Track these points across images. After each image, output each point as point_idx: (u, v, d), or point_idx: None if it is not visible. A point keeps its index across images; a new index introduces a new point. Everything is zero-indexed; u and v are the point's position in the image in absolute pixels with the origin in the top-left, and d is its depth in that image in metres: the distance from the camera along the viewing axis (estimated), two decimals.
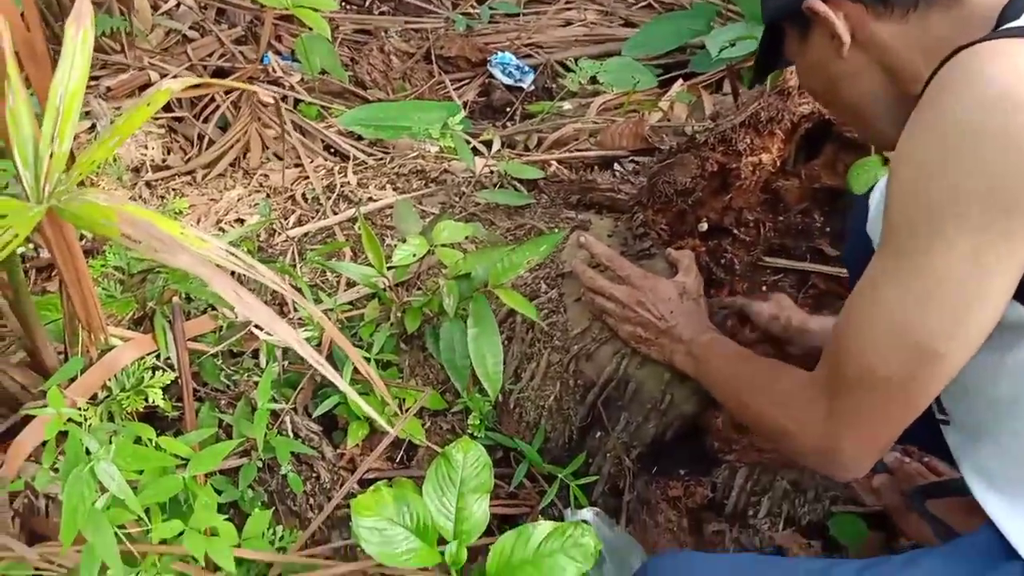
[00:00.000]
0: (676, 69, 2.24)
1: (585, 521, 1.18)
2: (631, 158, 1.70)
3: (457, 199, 1.66)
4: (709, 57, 1.94)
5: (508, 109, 2.48)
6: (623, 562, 1.24)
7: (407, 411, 1.38)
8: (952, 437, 0.99)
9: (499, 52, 2.61)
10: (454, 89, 2.56)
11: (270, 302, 1.56)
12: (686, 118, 1.85)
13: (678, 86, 1.90)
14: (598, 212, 1.58)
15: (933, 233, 0.80)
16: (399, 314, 1.41)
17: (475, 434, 1.42)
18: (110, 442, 0.98)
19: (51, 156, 0.83)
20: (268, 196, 1.78)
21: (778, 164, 1.59)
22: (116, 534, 1.03)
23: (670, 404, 1.35)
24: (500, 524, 1.37)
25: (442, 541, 1.16)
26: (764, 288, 1.63)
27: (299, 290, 1.43)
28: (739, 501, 1.33)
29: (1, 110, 0.94)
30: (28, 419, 1.26)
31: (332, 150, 2.17)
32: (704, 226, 1.61)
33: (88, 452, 1.01)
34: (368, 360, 1.38)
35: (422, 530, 1.15)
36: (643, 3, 2.73)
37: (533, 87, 2.54)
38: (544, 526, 1.14)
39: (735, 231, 1.64)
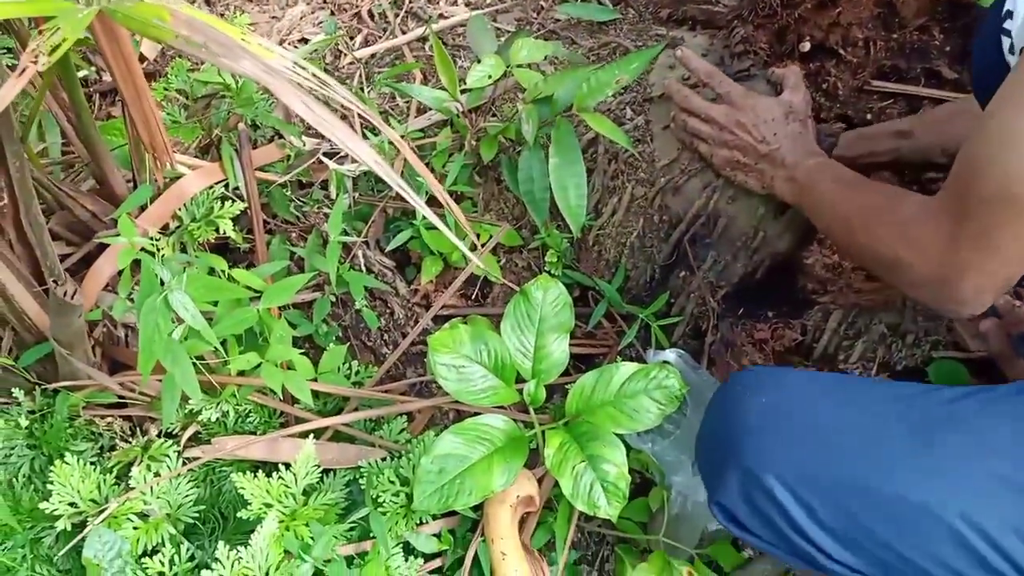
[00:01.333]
0: None
1: (668, 362, 1.13)
2: None
3: (535, 14, 1.52)
4: None
5: None
6: (706, 405, 1.20)
7: (483, 246, 1.32)
8: None
9: None
10: None
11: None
12: None
13: None
14: (691, 28, 1.42)
15: None
16: (474, 142, 1.32)
17: (552, 272, 1.37)
18: (183, 272, 0.95)
19: None
20: (332, 13, 1.66)
21: None
22: (194, 364, 1.02)
23: (762, 241, 1.26)
24: (577, 364, 1.34)
25: (519, 379, 1.14)
26: (869, 116, 1.48)
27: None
28: (830, 344, 1.26)
29: None
30: (102, 248, 1.25)
31: None
32: (807, 45, 1.45)
33: (162, 282, 0.98)
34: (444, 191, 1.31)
35: (500, 368, 1.12)
36: None
37: None
38: (627, 367, 1.10)
39: (841, 51, 1.47)
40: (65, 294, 0.93)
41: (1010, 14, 0.93)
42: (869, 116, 1.48)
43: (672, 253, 1.32)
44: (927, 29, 1.49)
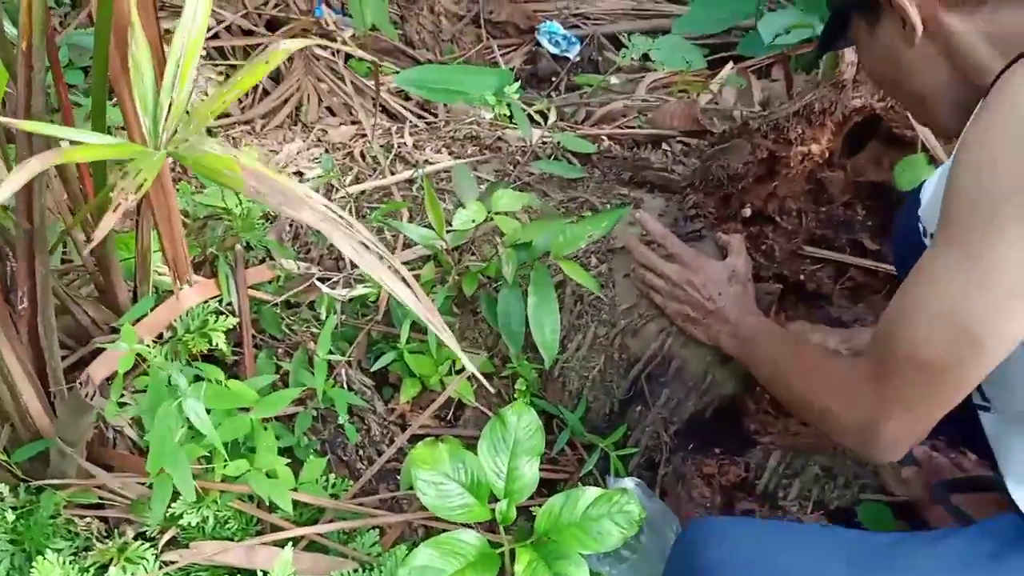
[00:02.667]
0: (723, 50, 2.26)
1: (626, 489, 1.23)
2: (681, 139, 1.73)
3: (512, 167, 1.69)
4: (757, 40, 1.95)
5: (553, 79, 2.50)
6: (659, 532, 1.29)
7: (459, 373, 1.43)
8: (990, 425, 1.04)
9: (547, 20, 2.62)
10: (501, 55, 2.58)
11: (326, 255, 1.61)
12: (735, 103, 1.88)
13: (729, 69, 1.92)
14: (650, 191, 1.61)
15: (991, 222, 0.84)
16: (456, 277, 1.45)
17: (522, 399, 1.48)
18: (196, 381, 1.03)
19: (170, 104, 0.87)
20: (327, 151, 1.81)
21: (826, 156, 1.62)
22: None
23: (711, 384, 1.40)
24: (540, 488, 1.43)
25: (492, 499, 1.22)
26: (802, 277, 1.67)
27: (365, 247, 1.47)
28: (770, 482, 1.39)
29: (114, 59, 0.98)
30: (95, 353, 1.32)
31: (382, 108, 2.19)
32: (748, 212, 1.65)
33: (171, 386, 1.06)
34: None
35: (475, 486, 1.21)
36: None
37: (579, 58, 2.56)
38: (592, 491, 1.20)
39: (777, 219, 1.67)
40: (86, 395, 1.00)
41: (919, 202, 1.12)
42: (802, 277, 1.67)
43: (630, 388, 1.45)
44: (852, 205, 1.71)
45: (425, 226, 1.49)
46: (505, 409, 1.24)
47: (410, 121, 1.98)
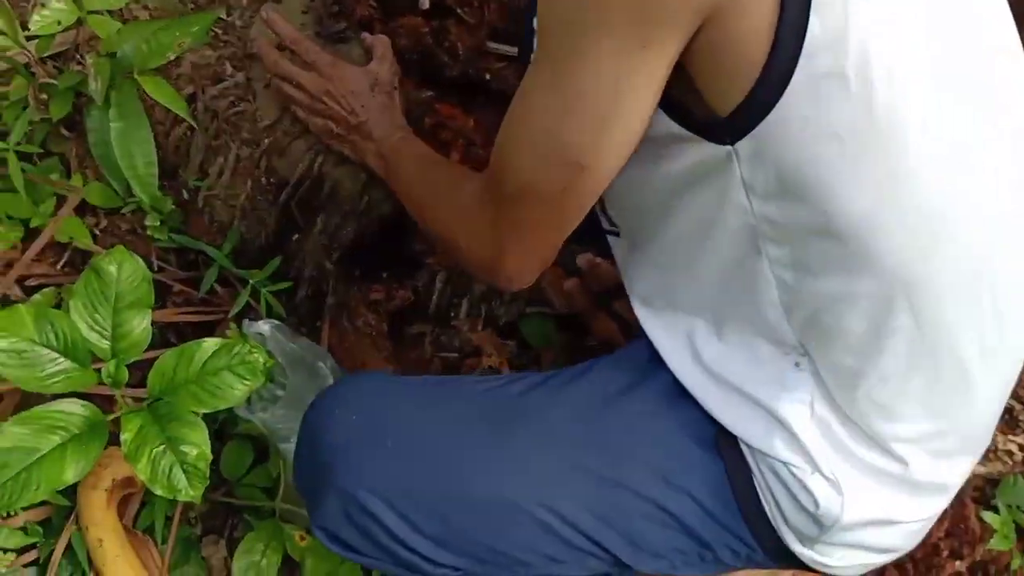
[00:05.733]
0: None
1: (261, 334, 1.11)
2: None
3: None
4: None
5: None
6: (312, 370, 1.20)
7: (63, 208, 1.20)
8: (619, 251, 0.99)
9: None
10: None
11: None
12: None
13: None
14: None
15: (576, 40, 0.75)
16: (44, 96, 1.19)
17: (157, 236, 1.28)
18: None
19: None
20: None
21: None
22: None
23: (368, 205, 1.27)
24: (193, 334, 1.28)
25: (98, 361, 1.06)
26: (488, 76, 1.53)
27: None
28: (440, 303, 1.32)
29: None
30: None
31: None
32: (426, 3, 1.46)
33: None
34: (8, 150, 1.16)
35: (71, 350, 1.03)
36: None
37: None
38: (210, 343, 1.06)
39: (459, 11, 1.50)
40: None
41: None
42: (488, 76, 1.53)
43: (281, 216, 1.29)
44: None
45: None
46: (100, 257, 1.05)
47: None
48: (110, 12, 1.21)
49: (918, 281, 0.80)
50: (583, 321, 1.30)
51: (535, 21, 0.89)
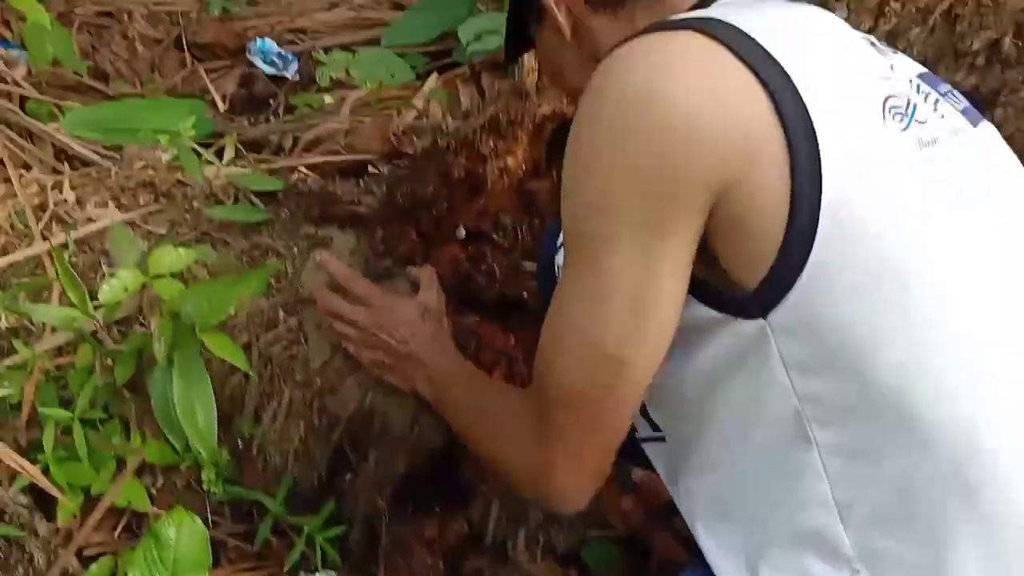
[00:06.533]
0: (443, 58, 2.14)
1: None
2: (379, 164, 1.58)
3: (187, 216, 1.49)
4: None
5: (271, 101, 2.29)
6: None
7: (123, 473, 1.22)
8: (662, 460, 0.97)
9: (259, 38, 2.41)
10: (211, 80, 2.34)
11: None
12: (443, 115, 1.76)
13: (432, 81, 1.80)
14: (341, 227, 1.46)
15: (597, 240, 0.79)
16: (109, 361, 1.24)
17: (213, 490, 1.28)
18: None
19: None
20: None
21: (528, 166, 1.54)
22: None
23: (419, 436, 1.27)
24: None
25: None
26: (525, 294, 1.58)
27: None
28: (496, 534, 1.28)
29: None
30: None
31: (64, 155, 1.91)
32: (462, 232, 1.53)
33: None
34: (72, 419, 1.20)
35: None
36: None
37: (298, 76, 2.37)
38: None
39: (494, 236, 1.57)
40: None
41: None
42: (525, 294, 1.58)
43: (334, 455, 1.30)
44: None
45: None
46: (159, 523, 1.06)
47: (78, 168, 1.72)
48: (171, 274, 1.29)
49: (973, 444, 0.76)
50: (645, 542, 1.25)
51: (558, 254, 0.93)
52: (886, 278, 0.76)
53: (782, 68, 0.76)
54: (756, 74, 0.76)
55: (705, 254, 0.79)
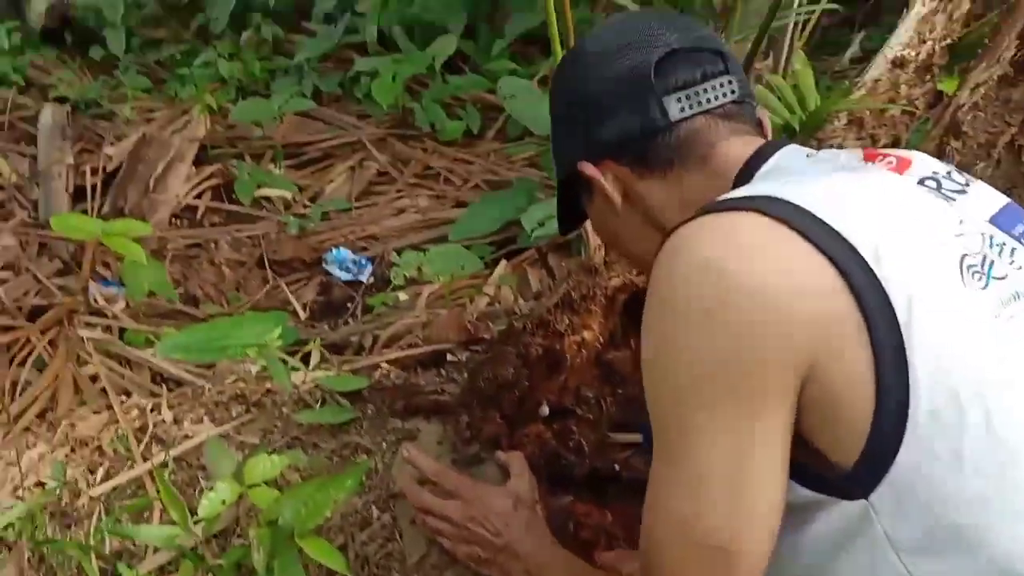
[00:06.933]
0: (508, 245, 2.24)
1: None
2: (459, 353, 1.63)
3: (278, 423, 1.53)
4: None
5: (348, 305, 2.40)
6: None
7: None
8: None
9: (334, 248, 2.56)
10: (292, 292, 2.48)
11: None
12: (514, 298, 1.82)
13: (501, 267, 1.88)
14: (426, 417, 1.48)
15: (686, 426, 0.76)
16: None
17: None
18: None
19: None
20: (73, 450, 1.60)
21: (605, 338, 1.56)
22: None
23: None
24: None
25: None
26: (617, 467, 1.55)
27: None
28: None
29: None
30: None
31: (161, 378, 2.02)
32: (545, 410, 1.54)
33: None
34: None
35: None
36: (472, 184, 2.76)
37: (372, 279, 2.49)
38: None
39: (577, 410, 1.57)
40: None
41: None
42: (616, 467, 1.55)
43: None
44: None
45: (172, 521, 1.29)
46: None
47: (174, 389, 1.81)
48: (266, 482, 1.31)
49: None
50: None
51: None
52: (987, 450, 0.72)
53: (848, 243, 0.75)
54: (824, 252, 0.75)
55: (799, 436, 0.77)
